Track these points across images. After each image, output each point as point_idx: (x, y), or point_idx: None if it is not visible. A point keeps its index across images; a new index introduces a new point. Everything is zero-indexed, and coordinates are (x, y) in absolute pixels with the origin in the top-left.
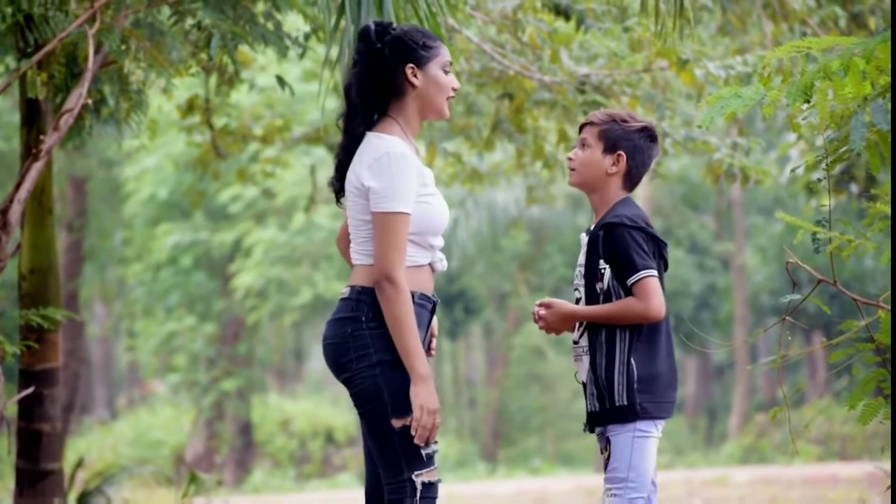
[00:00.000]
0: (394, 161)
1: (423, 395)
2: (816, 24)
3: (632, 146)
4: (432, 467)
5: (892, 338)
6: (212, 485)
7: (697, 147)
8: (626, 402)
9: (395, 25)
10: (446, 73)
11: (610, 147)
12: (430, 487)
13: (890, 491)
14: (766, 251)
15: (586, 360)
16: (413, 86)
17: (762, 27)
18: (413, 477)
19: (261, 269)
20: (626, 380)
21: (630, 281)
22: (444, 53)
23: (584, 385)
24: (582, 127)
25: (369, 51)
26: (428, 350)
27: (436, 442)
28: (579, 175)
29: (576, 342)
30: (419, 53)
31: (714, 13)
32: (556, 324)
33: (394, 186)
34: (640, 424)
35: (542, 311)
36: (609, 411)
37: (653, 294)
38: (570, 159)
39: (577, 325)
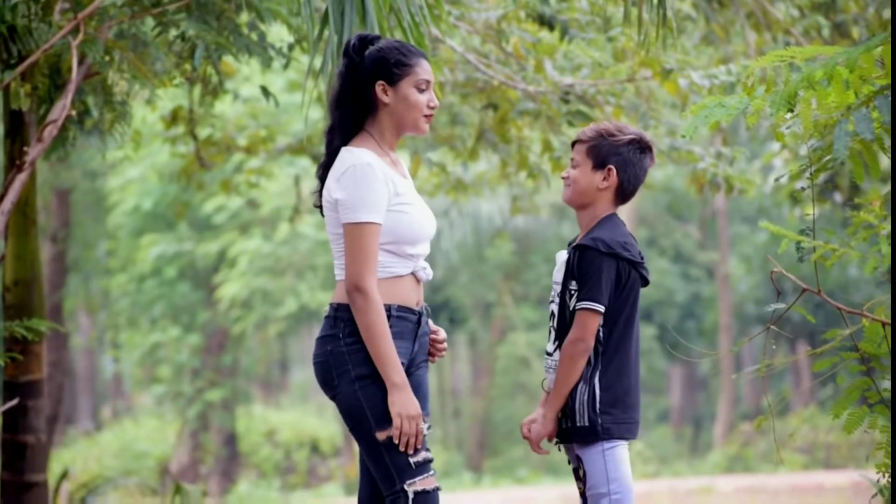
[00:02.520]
0: (358, 172)
1: (399, 403)
2: (800, 33)
3: (621, 160)
4: (425, 475)
5: (891, 346)
6: (197, 496)
7: (682, 156)
8: (587, 424)
9: (379, 40)
10: (421, 91)
11: (599, 163)
12: (426, 496)
13: (877, 499)
14: (751, 260)
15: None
16: (384, 103)
17: (746, 37)
18: (405, 487)
19: (245, 279)
20: (589, 400)
21: (576, 306)
22: (420, 72)
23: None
24: (573, 145)
25: (349, 65)
26: (431, 357)
27: (427, 449)
28: (573, 192)
29: (549, 353)
30: (391, 71)
31: (697, 23)
32: (544, 429)
33: (358, 197)
34: (606, 442)
35: (525, 431)
36: (572, 430)
37: (584, 327)
38: (563, 177)
39: (552, 338)
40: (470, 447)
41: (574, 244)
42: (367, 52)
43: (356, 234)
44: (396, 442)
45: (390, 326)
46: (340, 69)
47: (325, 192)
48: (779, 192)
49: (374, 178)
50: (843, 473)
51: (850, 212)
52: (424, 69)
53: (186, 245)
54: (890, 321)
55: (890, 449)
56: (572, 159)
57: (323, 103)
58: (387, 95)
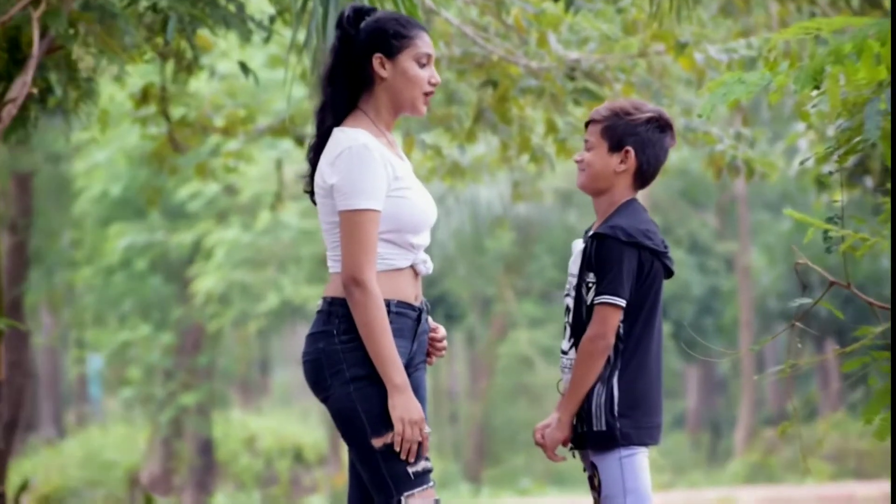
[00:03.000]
0: (355, 154)
1: (401, 406)
2: (827, 3)
3: (639, 140)
4: (425, 486)
5: (891, 339)
6: None
7: (698, 138)
8: (604, 428)
9: (375, 11)
10: (422, 65)
11: (615, 144)
12: None
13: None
14: (774, 251)
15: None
16: (381, 77)
17: (767, 7)
18: (402, 499)
19: (223, 272)
20: (606, 403)
21: (595, 300)
22: (421, 44)
23: None
24: (586, 125)
25: (343, 38)
26: (428, 357)
27: (427, 458)
28: (587, 177)
29: (564, 352)
30: (389, 42)
31: None
32: (560, 434)
33: (356, 181)
34: (624, 449)
35: (538, 437)
36: (588, 435)
37: (604, 322)
38: (577, 160)
39: (567, 335)
40: (468, 455)
41: (591, 233)
42: (362, 24)
43: (354, 222)
44: (397, 449)
45: (389, 323)
46: (333, 42)
47: (317, 176)
48: (804, 177)
49: (373, 161)
50: (875, 484)
51: (882, 198)
52: (425, 42)
53: (158, 235)
54: None
55: None
56: (586, 141)
57: (307, 80)
58: (384, 69)
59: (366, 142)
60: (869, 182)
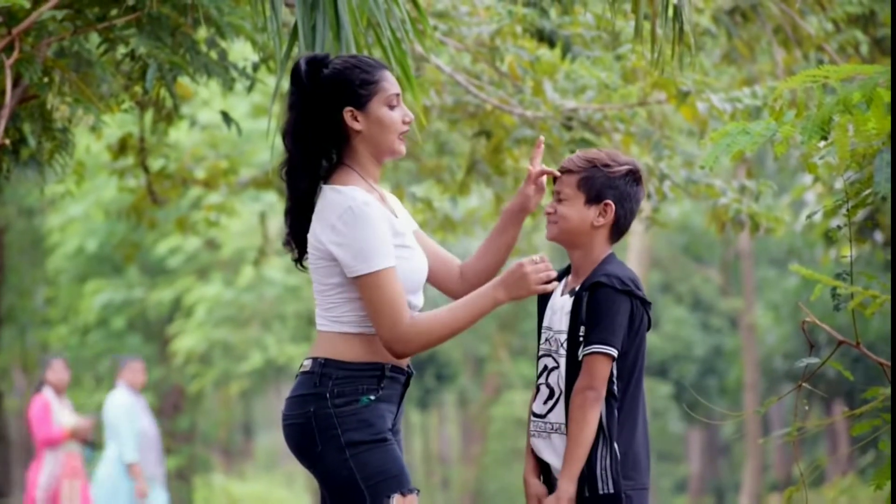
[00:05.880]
0: (358, 215)
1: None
2: (834, 50)
3: (618, 194)
4: None
5: (891, 373)
6: None
7: (700, 191)
8: (612, 491)
9: (330, 60)
10: (392, 107)
11: (594, 197)
12: None
13: None
14: (780, 308)
15: (558, 439)
16: (356, 130)
17: (773, 54)
18: None
19: (204, 331)
20: (612, 464)
21: (584, 350)
22: (388, 86)
23: (545, 465)
24: (555, 178)
25: (301, 93)
26: (392, 428)
27: None
28: (560, 229)
29: (540, 416)
30: (356, 93)
31: (718, 39)
32: (565, 496)
33: (365, 243)
34: None
35: None
36: (593, 500)
37: (594, 373)
38: (548, 212)
39: (544, 397)
40: None
41: (588, 283)
42: (321, 76)
43: (376, 285)
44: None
45: (382, 387)
46: (291, 100)
47: (311, 238)
48: (811, 232)
49: (377, 218)
50: None
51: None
52: (391, 82)
53: (136, 292)
54: None
55: None
56: (557, 192)
57: None
58: (357, 122)
59: (364, 199)
60: (879, 237)
